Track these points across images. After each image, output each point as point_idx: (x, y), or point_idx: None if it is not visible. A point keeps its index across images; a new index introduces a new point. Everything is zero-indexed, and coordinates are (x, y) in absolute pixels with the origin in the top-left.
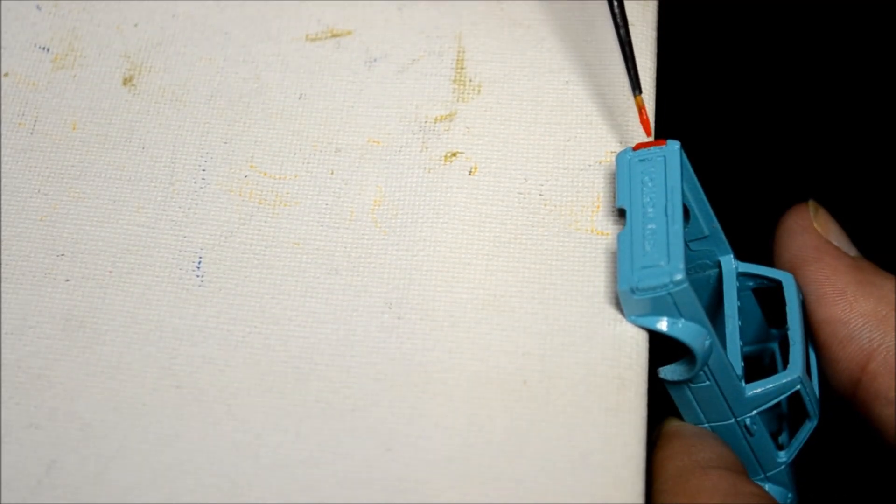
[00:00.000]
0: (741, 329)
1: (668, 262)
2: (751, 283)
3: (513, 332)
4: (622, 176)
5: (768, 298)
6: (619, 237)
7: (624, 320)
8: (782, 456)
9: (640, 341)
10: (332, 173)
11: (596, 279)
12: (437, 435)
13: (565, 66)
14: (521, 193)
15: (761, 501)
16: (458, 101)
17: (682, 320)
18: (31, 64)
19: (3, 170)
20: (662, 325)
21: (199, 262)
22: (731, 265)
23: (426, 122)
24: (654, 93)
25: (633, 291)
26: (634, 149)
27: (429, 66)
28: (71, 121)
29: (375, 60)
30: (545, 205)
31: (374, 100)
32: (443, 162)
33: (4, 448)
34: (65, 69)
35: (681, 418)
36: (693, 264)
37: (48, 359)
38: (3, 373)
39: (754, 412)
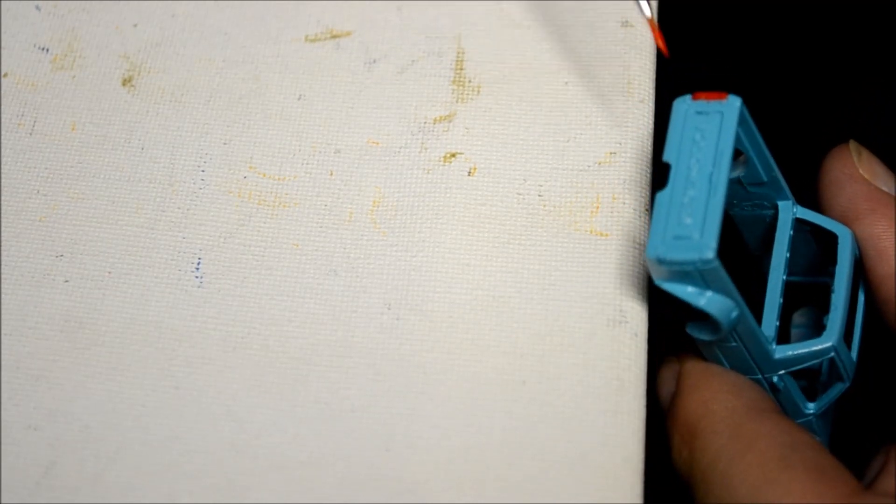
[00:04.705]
0: (793, 261)
1: (701, 237)
2: (808, 227)
3: (512, 332)
4: (675, 127)
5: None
6: (658, 197)
7: (624, 321)
8: (811, 408)
9: (639, 342)
10: (331, 174)
11: (595, 280)
12: (436, 435)
13: (564, 67)
14: (520, 194)
15: (816, 452)
16: (457, 101)
17: (710, 292)
18: (30, 64)
19: (2, 170)
20: (688, 294)
21: (199, 263)
22: (788, 212)
23: (425, 122)
24: (654, 93)
25: (659, 262)
26: (694, 97)
27: (428, 67)
28: (70, 121)
29: (375, 61)
30: (544, 206)
31: (373, 100)
32: (442, 163)
33: (4, 449)
34: (64, 70)
35: (698, 355)
36: (751, 202)
37: (47, 360)
38: (2, 374)
39: (783, 371)
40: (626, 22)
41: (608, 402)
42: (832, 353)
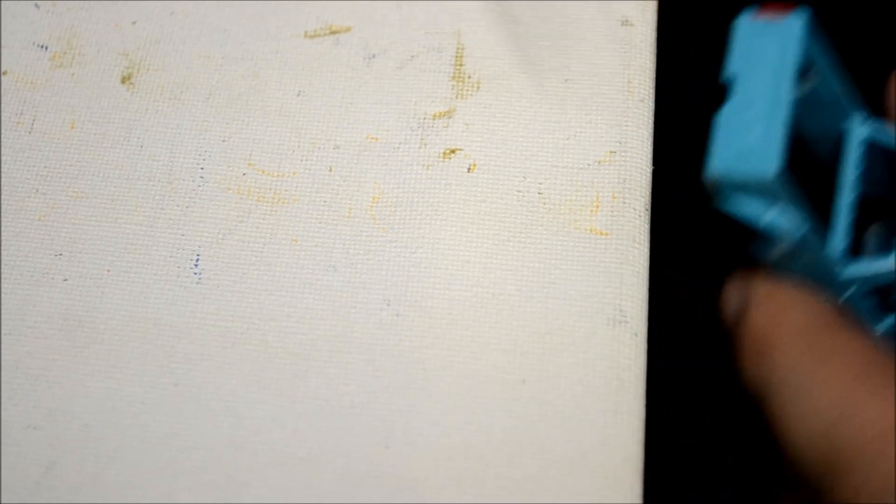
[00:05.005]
0: (865, 177)
1: (765, 152)
2: (881, 143)
3: (511, 330)
4: (737, 43)
5: None
6: (720, 115)
7: (624, 321)
8: (883, 325)
9: (639, 342)
10: (330, 170)
11: (595, 279)
12: (435, 433)
13: (565, 64)
14: (519, 191)
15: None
16: (456, 97)
17: (774, 209)
18: (29, 62)
19: (1, 169)
20: (751, 212)
21: (197, 260)
22: (860, 127)
23: (425, 118)
24: (654, 92)
25: (722, 180)
26: (757, 13)
27: (428, 63)
28: (69, 119)
29: (374, 57)
30: (544, 203)
31: (372, 96)
32: (441, 159)
33: (4, 449)
34: (63, 67)
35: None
36: (820, 119)
37: (46, 359)
38: (2, 373)
39: (853, 289)
40: (627, 21)
41: (608, 401)
42: None
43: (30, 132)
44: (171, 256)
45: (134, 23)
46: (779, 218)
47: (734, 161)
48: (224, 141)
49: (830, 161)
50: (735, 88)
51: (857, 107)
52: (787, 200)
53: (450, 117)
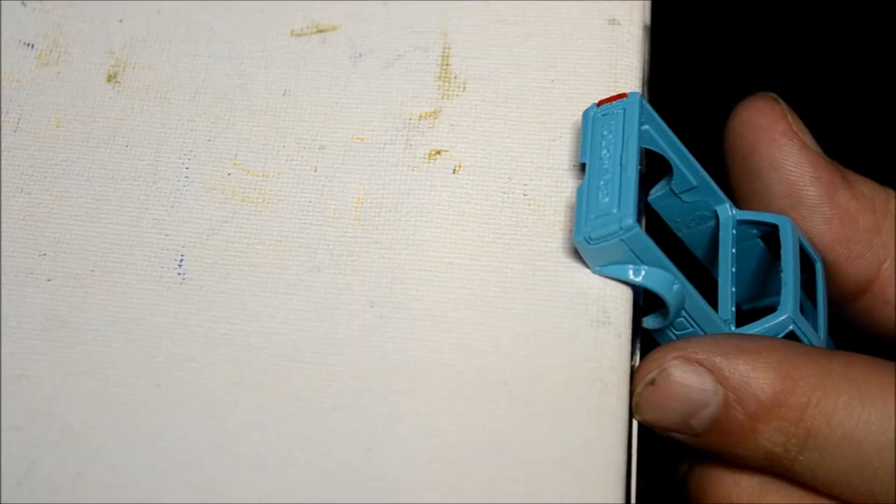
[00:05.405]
0: (752, 281)
1: (619, 209)
2: (755, 231)
3: (495, 332)
4: (585, 132)
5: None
6: (578, 190)
7: (607, 322)
8: None
9: (622, 344)
10: (315, 170)
11: (579, 281)
12: (418, 435)
13: (552, 65)
14: (504, 193)
15: None
16: (442, 97)
17: (645, 267)
18: (15, 60)
19: None
20: (625, 273)
21: (181, 260)
22: (727, 213)
23: (410, 119)
24: (649, 91)
25: (587, 241)
26: (598, 104)
27: (414, 62)
28: (55, 118)
29: (360, 56)
30: (529, 205)
31: (358, 96)
32: (427, 160)
33: None
34: (49, 66)
35: None
36: (692, 216)
37: (29, 359)
38: None
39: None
40: (614, 20)
41: (591, 403)
42: (791, 325)
43: (15, 131)
44: (155, 256)
45: (120, 21)
46: (649, 276)
47: (594, 224)
48: (209, 140)
49: (713, 261)
50: (588, 165)
51: (721, 195)
52: (651, 257)
53: (436, 118)
